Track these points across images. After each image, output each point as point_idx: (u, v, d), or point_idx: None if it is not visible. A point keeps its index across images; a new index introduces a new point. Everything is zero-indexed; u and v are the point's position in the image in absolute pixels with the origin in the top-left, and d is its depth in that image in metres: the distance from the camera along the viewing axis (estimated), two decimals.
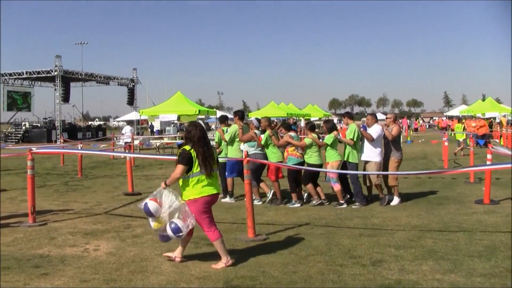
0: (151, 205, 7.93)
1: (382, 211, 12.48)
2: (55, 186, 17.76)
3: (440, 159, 25.56)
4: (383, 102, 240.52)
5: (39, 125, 61.37)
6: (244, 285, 7.08)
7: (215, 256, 8.40)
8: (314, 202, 13.47)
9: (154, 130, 66.13)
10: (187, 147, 7.87)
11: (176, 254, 8.29)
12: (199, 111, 33.40)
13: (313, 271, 7.70)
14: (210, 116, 36.53)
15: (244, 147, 14.09)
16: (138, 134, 51.69)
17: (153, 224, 8.10)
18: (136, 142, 32.39)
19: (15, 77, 57.65)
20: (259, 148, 13.90)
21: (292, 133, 13.76)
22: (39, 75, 55.21)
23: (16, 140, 53.20)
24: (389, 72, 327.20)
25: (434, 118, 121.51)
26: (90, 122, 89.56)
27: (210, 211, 8.15)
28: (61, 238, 9.88)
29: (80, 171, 21.15)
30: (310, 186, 13.47)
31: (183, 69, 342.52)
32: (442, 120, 72.28)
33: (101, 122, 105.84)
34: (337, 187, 13.30)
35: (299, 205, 13.37)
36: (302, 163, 13.41)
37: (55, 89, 60.77)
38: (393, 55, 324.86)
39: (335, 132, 13.40)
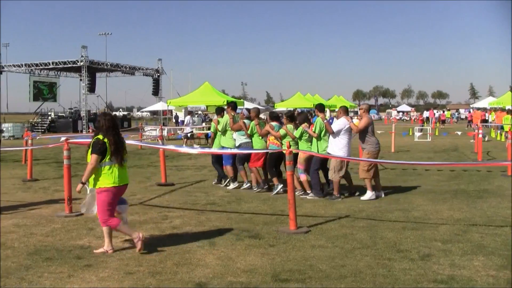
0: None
1: (421, 203, 12.20)
2: None
3: (473, 152, 25.29)
4: (407, 93, 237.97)
5: (64, 115, 61.56)
6: (293, 279, 6.88)
7: (259, 247, 8.38)
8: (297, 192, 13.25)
9: (179, 120, 66.20)
10: (100, 137, 7.94)
11: (106, 247, 8.31)
12: (227, 101, 33.20)
13: (361, 265, 7.49)
14: (239, 107, 36.15)
15: (235, 136, 14.83)
16: (164, 124, 51.76)
17: None
18: (165, 132, 32.30)
19: (41, 67, 58.04)
20: (248, 137, 14.56)
21: (274, 123, 14.27)
22: (65, 66, 55.32)
23: (43, 130, 53.30)
24: (414, 63, 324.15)
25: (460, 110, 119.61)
26: (114, 113, 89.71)
27: (115, 203, 8.25)
28: (100, 229, 9.64)
29: None
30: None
31: (207, 60, 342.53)
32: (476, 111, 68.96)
33: (125, 113, 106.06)
34: (302, 177, 13.45)
35: (281, 185, 13.63)
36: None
37: (80, 80, 61.08)
38: (418, 45, 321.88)
39: (303, 125, 13.40)
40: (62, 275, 7.07)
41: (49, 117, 59.55)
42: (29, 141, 18.70)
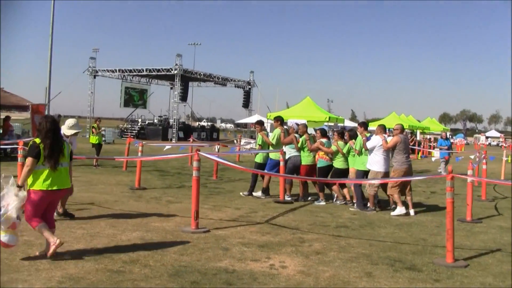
0: None
1: None
2: None
3: None
4: (495, 119, 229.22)
5: (153, 122, 61.99)
6: None
7: (424, 282, 7.51)
8: (338, 202, 14.83)
9: (268, 134, 65.64)
10: (37, 140, 7.95)
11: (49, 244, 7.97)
12: (329, 118, 32.29)
13: None
14: (338, 124, 35.21)
15: (285, 149, 15.48)
16: (252, 137, 51.16)
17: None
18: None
19: (134, 73, 58.57)
20: (297, 151, 15.30)
21: (324, 140, 15.18)
22: (159, 73, 55.56)
23: (132, 136, 53.56)
24: (504, 88, 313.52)
25: None
26: (197, 123, 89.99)
27: (44, 206, 8.06)
28: (236, 250, 8.97)
29: (215, 173, 20.45)
30: (335, 187, 14.91)
31: (293, 75, 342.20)
32: None
33: (209, 123, 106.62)
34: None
35: (324, 203, 14.67)
36: (330, 166, 14.93)
37: (171, 88, 61.49)
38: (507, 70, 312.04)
39: (351, 141, 14.49)
40: None
41: (139, 124, 60.06)
42: (139, 147, 18.24)
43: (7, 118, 26.04)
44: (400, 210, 13.26)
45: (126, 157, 17.69)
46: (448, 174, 8.96)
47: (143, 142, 20.27)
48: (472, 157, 19.79)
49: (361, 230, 11.23)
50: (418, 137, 52.46)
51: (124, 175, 19.81)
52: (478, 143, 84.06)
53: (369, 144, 13.72)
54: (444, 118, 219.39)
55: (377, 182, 13.62)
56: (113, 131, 48.13)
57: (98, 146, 24.39)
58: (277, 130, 15.74)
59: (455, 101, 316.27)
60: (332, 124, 35.83)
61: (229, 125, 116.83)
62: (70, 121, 10.65)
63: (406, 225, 11.92)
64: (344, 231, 11.02)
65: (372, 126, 42.38)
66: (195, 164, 10.56)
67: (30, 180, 7.90)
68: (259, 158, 15.94)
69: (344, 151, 14.54)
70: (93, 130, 24.55)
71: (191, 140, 28.90)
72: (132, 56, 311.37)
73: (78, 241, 9.12)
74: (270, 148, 15.68)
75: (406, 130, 47.30)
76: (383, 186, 14.03)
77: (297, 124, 16.84)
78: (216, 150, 22.59)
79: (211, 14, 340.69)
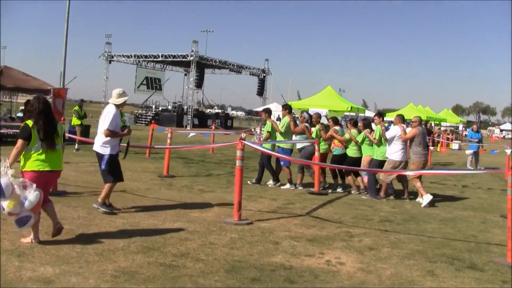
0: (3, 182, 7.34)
1: None
2: (222, 177, 16.72)
3: None
4: (509, 112, 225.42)
5: (168, 108, 61.70)
6: None
7: (492, 283, 7.17)
8: (352, 192, 14.81)
9: None
10: (29, 122, 7.84)
11: (33, 236, 7.84)
12: (351, 108, 31.86)
13: None
14: (360, 114, 34.82)
15: (296, 138, 15.38)
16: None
17: (6, 204, 7.36)
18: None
19: (149, 59, 58.24)
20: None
21: (337, 127, 15.36)
22: (174, 59, 55.18)
23: (146, 123, 53.36)
24: None
25: None
26: (209, 110, 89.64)
27: (40, 187, 7.69)
28: (286, 244, 8.63)
29: None
30: (350, 177, 14.97)
31: (304, 65, 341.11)
32: None
33: (219, 111, 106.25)
34: (366, 179, 14.63)
35: (340, 189, 15.01)
36: (345, 154, 14.97)
37: (185, 74, 61.05)
38: None
39: (366, 130, 14.48)
40: None
41: (153, 110, 59.80)
42: (168, 134, 17.87)
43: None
44: (427, 198, 13.32)
45: (169, 146, 17.07)
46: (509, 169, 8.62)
47: (171, 129, 19.91)
48: (507, 151, 19.26)
49: (406, 224, 10.88)
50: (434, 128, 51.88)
51: (149, 162, 19.53)
52: (493, 136, 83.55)
53: (388, 134, 13.87)
54: (457, 110, 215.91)
55: (396, 173, 13.77)
56: (129, 117, 47.86)
57: None
58: (286, 118, 15.42)
59: (467, 93, 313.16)
60: (354, 114, 35.41)
61: (240, 113, 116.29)
62: (118, 90, 10.51)
63: (451, 221, 11.57)
64: (389, 225, 10.68)
65: (389, 117, 42.06)
66: (238, 153, 10.32)
67: (22, 162, 7.81)
68: (266, 146, 15.36)
69: (359, 139, 14.56)
70: None
71: (213, 127, 28.51)
72: (145, 42, 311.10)
73: (121, 232, 8.84)
74: (278, 135, 15.39)
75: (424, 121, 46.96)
76: (398, 175, 14.19)
77: (308, 114, 16.62)
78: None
79: (224, 1, 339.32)
